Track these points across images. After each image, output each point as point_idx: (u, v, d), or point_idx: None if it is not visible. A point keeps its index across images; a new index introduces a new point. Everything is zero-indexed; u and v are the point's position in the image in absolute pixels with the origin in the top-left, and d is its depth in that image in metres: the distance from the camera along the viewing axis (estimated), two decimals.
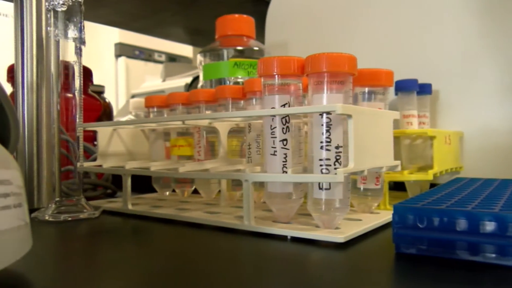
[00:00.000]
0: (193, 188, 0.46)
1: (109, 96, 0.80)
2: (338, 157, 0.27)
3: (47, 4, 0.36)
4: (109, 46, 1.92)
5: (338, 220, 0.28)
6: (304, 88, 0.30)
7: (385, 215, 0.33)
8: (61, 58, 0.37)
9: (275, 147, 0.29)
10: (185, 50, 2.01)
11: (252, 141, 0.37)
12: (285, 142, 0.28)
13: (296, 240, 0.27)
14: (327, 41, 0.55)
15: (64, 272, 0.22)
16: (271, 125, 0.29)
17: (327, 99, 0.27)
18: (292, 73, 0.28)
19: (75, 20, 0.37)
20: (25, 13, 0.41)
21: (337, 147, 0.27)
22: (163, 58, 2.04)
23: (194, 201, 0.42)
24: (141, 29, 0.84)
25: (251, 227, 0.29)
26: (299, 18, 0.58)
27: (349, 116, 0.26)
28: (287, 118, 0.28)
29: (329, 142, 0.27)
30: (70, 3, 0.36)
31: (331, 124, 0.27)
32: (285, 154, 0.29)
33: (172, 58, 2.04)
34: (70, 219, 0.35)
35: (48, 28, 0.37)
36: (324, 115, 0.27)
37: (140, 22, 0.79)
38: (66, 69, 0.37)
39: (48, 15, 0.36)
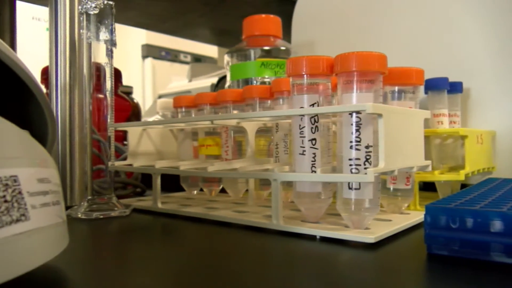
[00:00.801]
0: (220, 187, 0.46)
1: (136, 96, 0.81)
2: (368, 157, 0.26)
3: (80, 7, 0.37)
4: (136, 48, 1.95)
5: (368, 221, 0.28)
6: (333, 87, 0.30)
7: (416, 216, 0.32)
8: (93, 60, 0.38)
9: (303, 147, 0.29)
10: (210, 50, 2.03)
11: (279, 140, 0.37)
12: (314, 141, 0.28)
13: (325, 240, 0.27)
14: (354, 40, 0.54)
15: (97, 268, 0.23)
16: (299, 125, 0.29)
17: (356, 99, 0.27)
18: (321, 72, 0.28)
19: (106, 22, 0.38)
20: (59, 17, 0.43)
21: (367, 147, 0.26)
22: (188, 58, 2.06)
23: (222, 200, 0.43)
24: (168, 30, 0.85)
25: (279, 226, 0.29)
26: (326, 17, 0.57)
27: (380, 115, 0.25)
28: (316, 117, 0.28)
29: (359, 141, 0.26)
30: (102, 6, 0.37)
31: (361, 124, 0.26)
32: (314, 153, 0.29)
33: (197, 59, 2.06)
34: (101, 217, 0.36)
35: (81, 30, 0.38)
36: (354, 114, 0.26)
37: (167, 24, 0.80)
38: (97, 70, 0.38)
39: (81, 18, 0.37)
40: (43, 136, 0.24)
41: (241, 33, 0.50)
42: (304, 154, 0.29)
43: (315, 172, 0.28)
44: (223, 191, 0.46)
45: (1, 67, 0.20)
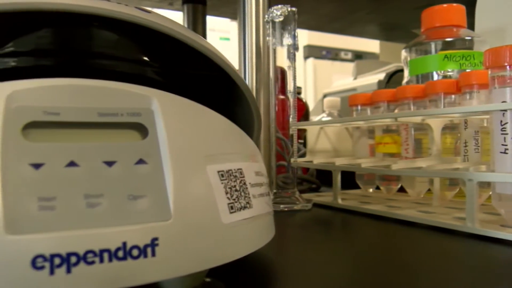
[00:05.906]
0: (399, 186, 0.45)
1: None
2: None
3: (266, 16, 0.41)
4: (299, 49, 2.02)
5: None
6: None
7: None
8: (277, 64, 0.41)
9: (506, 145, 0.26)
10: (371, 46, 1.98)
11: (469, 138, 0.35)
12: None
13: None
14: None
15: (293, 255, 0.25)
16: (501, 121, 0.26)
17: None
18: None
19: (289, 28, 0.40)
20: (246, 28, 0.47)
21: None
22: (349, 56, 2.05)
23: (402, 199, 0.42)
24: (336, 30, 0.86)
25: (475, 229, 0.28)
26: None
27: None
28: None
29: None
30: (286, 13, 0.40)
31: None
32: None
33: (358, 56, 2.03)
34: (286, 209, 0.39)
35: (267, 38, 0.41)
36: None
37: (336, 24, 0.81)
38: (281, 73, 0.41)
39: (267, 26, 0.41)
40: (250, 131, 0.27)
41: (411, 26, 0.48)
42: (507, 153, 0.26)
43: None
44: (400, 190, 0.45)
45: (214, 72, 0.23)
